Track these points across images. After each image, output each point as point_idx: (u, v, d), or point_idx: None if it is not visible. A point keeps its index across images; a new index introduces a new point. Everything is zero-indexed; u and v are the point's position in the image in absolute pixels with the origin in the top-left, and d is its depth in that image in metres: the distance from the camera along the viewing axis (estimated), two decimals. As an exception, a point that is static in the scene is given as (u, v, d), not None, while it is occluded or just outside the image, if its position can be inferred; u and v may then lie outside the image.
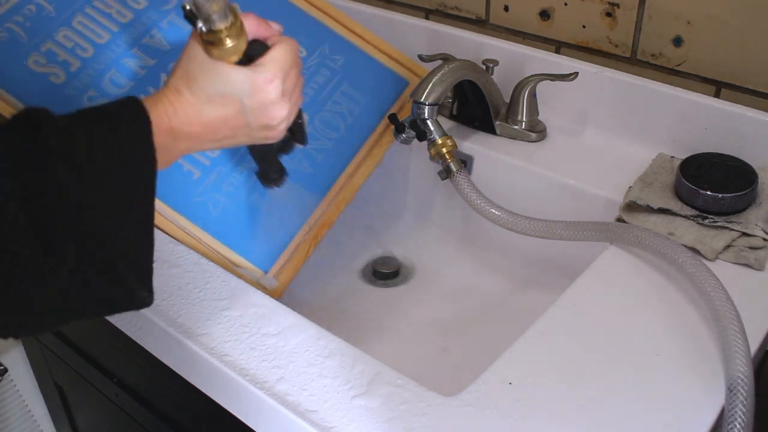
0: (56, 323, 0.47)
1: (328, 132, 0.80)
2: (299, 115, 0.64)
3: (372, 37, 0.86)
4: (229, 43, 0.51)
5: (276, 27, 0.56)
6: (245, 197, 0.73)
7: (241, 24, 0.52)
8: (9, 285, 0.42)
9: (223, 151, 0.73)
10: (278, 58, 0.54)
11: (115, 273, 0.45)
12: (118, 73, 0.73)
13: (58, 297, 0.44)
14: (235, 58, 0.52)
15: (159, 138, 0.48)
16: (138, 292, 0.47)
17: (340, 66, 0.83)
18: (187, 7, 0.50)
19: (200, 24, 0.50)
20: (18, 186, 0.41)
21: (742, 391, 0.50)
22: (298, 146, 0.68)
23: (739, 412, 0.49)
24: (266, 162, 0.67)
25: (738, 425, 0.49)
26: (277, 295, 0.72)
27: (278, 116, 0.55)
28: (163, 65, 0.74)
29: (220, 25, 0.50)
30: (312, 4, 0.85)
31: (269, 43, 0.55)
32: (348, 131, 0.81)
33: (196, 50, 0.52)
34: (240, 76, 0.52)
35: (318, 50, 0.82)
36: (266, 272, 0.71)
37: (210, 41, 0.51)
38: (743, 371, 0.51)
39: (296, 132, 0.65)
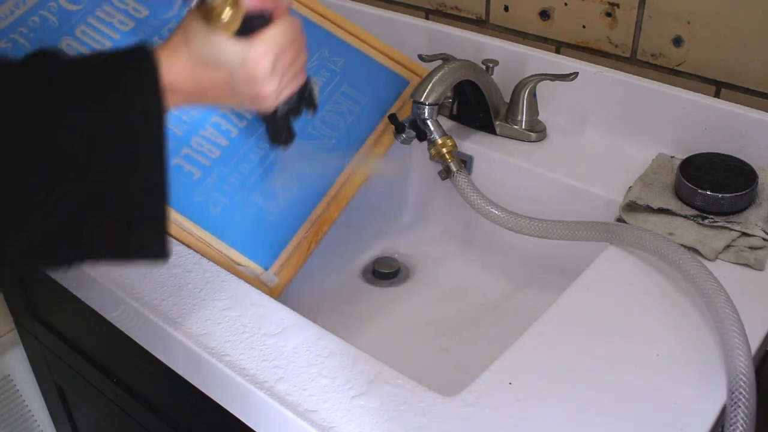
0: (61, 255, 0.48)
1: (329, 131, 0.80)
2: (307, 82, 0.65)
3: (371, 39, 0.87)
4: (224, 17, 0.53)
5: (284, 1, 0.58)
6: (245, 196, 0.73)
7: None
8: (14, 203, 0.44)
9: (222, 152, 0.74)
10: (275, 35, 0.55)
11: (125, 216, 0.47)
12: None
13: (61, 225, 0.45)
14: (231, 30, 0.54)
15: None
16: (151, 240, 0.49)
17: (339, 67, 0.83)
18: None
19: None
20: (28, 117, 0.43)
21: (743, 391, 0.50)
22: (309, 113, 0.69)
23: (741, 413, 0.49)
24: (274, 124, 0.68)
25: (740, 426, 0.49)
26: (277, 293, 0.72)
27: (266, 91, 0.57)
28: None
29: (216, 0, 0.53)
30: (311, 9, 0.86)
31: (274, 18, 0.57)
32: (348, 130, 0.81)
33: (196, 18, 0.54)
34: (233, 48, 0.54)
35: (318, 53, 0.83)
36: (267, 269, 0.72)
37: (207, 13, 0.53)
38: (745, 372, 0.51)
39: (305, 97, 0.66)
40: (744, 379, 0.51)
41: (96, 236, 0.47)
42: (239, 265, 0.70)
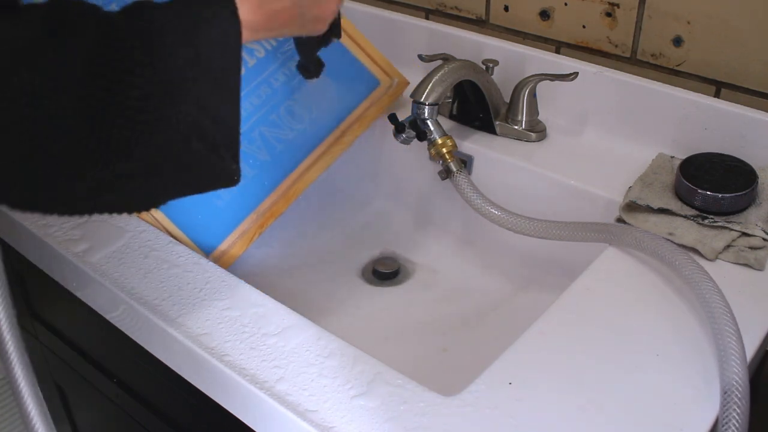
0: (145, 186, 0.51)
1: (292, 123, 0.79)
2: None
3: (353, 31, 0.86)
4: None
5: None
6: None
7: None
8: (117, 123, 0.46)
9: None
10: None
11: (213, 143, 0.51)
12: None
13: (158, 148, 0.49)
14: None
15: None
16: (229, 163, 0.53)
17: None
18: None
19: None
20: (140, 59, 0.47)
21: (735, 398, 0.50)
22: (335, 40, 0.71)
23: (734, 419, 0.49)
24: (310, 55, 0.72)
25: (732, 430, 0.49)
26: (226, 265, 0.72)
27: (329, 9, 0.62)
28: None
29: None
30: None
31: None
32: (311, 124, 0.81)
33: None
34: None
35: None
36: (208, 255, 0.72)
37: None
38: (738, 377, 0.51)
39: (334, 27, 0.69)
40: (737, 382, 0.50)
41: (185, 161, 0.51)
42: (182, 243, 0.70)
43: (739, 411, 0.49)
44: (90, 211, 0.51)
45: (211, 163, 0.52)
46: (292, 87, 0.80)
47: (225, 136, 0.52)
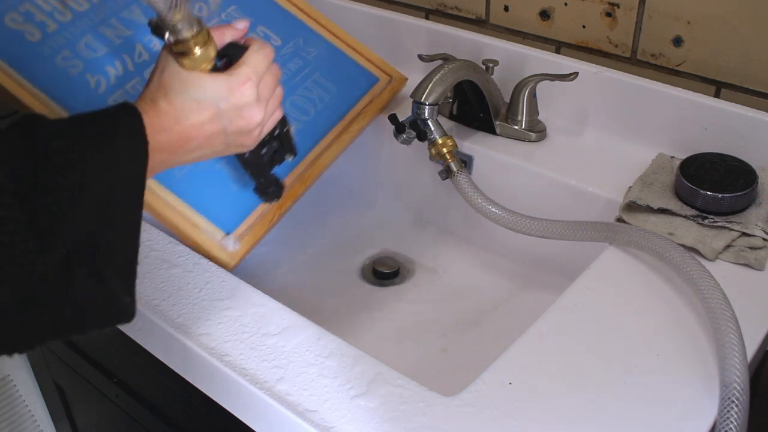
0: (37, 336, 0.45)
1: (299, 114, 0.81)
2: (285, 125, 0.67)
3: (346, 36, 0.90)
4: (198, 51, 0.53)
5: (240, 25, 0.58)
6: (212, 162, 0.73)
7: (208, 31, 0.54)
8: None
9: None
10: (252, 61, 0.55)
11: (100, 274, 0.45)
12: (94, 39, 0.75)
13: (44, 295, 0.43)
14: (207, 65, 0.54)
15: None
16: (121, 296, 0.47)
17: (313, 57, 0.86)
18: (153, 21, 0.53)
19: (167, 35, 0.52)
20: (15, 185, 0.41)
21: (735, 396, 0.50)
22: (289, 158, 0.70)
23: (733, 417, 0.49)
24: (261, 176, 0.69)
25: (732, 427, 0.49)
26: (234, 262, 0.70)
27: (254, 119, 0.56)
28: (139, 36, 0.77)
29: (186, 34, 0.52)
30: (291, 2, 0.88)
31: (245, 44, 0.57)
32: (318, 115, 0.83)
33: (169, 61, 0.53)
34: (214, 82, 0.53)
35: (293, 41, 0.86)
36: (228, 234, 0.71)
37: (180, 52, 0.53)
38: (738, 374, 0.51)
39: (285, 142, 0.68)
40: (737, 382, 0.50)
41: (69, 298, 0.45)
42: (199, 228, 0.70)
43: (737, 409, 0.49)
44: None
45: (96, 296, 0.46)
46: (294, 84, 0.83)
47: (116, 268, 0.47)
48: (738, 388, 0.50)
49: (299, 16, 0.88)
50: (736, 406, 0.49)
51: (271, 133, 0.66)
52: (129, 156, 0.47)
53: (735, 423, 0.49)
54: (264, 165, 0.68)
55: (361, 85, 0.88)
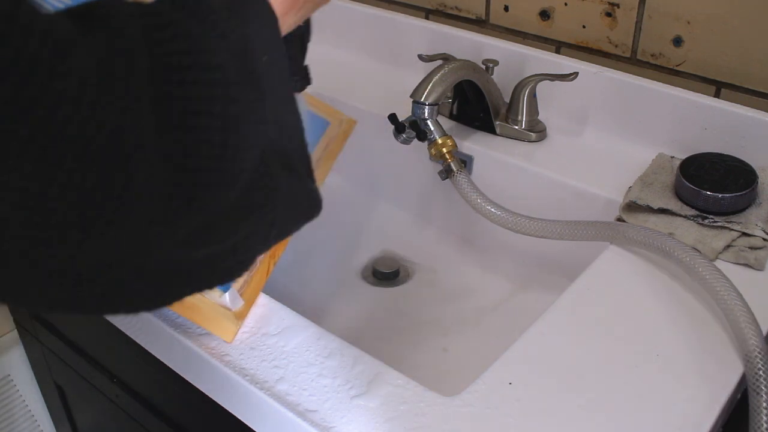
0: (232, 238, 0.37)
1: None
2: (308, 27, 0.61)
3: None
4: None
5: None
6: None
7: None
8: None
9: None
10: None
11: (287, 162, 0.39)
12: None
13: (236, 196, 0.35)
14: None
15: None
16: (309, 183, 0.42)
17: None
18: None
19: None
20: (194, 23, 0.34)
21: (761, 363, 0.51)
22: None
23: (764, 381, 0.51)
24: (300, 60, 0.63)
25: (764, 394, 0.50)
26: (241, 319, 0.60)
27: None
28: None
29: None
30: None
31: None
32: None
33: None
34: None
35: None
36: (225, 292, 0.61)
37: None
38: (758, 345, 0.52)
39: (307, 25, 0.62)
40: (758, 350, 0.52)
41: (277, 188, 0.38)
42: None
43: (765, 374, 0.51)
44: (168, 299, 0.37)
45: (293, 188, 0.40)
46: None
47: (297, 148, 0.41)
48: (761, 358, 0.51)
49: None
50: (764, 371, 0.51)
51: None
52: (265, 22, 0.41)
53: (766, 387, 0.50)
54: (297, 50, 0.62)
55: (317, 129, 0.83)
